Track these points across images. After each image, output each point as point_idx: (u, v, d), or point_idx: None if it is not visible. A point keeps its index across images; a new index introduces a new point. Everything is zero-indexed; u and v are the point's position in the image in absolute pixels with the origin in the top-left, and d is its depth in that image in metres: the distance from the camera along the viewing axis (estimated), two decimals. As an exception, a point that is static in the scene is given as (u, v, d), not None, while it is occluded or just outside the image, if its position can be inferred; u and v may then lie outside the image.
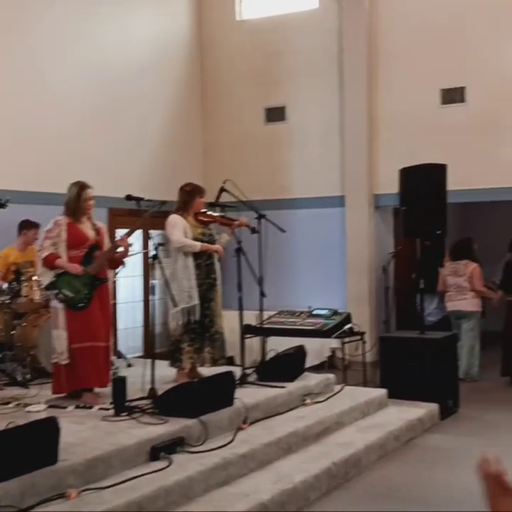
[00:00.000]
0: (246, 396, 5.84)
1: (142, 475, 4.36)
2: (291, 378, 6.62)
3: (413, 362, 7.27)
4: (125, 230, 6.00)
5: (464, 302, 9.01)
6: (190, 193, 6.42)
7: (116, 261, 5.99)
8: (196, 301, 6.11)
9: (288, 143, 10.63)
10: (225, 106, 10.95)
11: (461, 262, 9.14)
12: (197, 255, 6.22)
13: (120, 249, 5.85)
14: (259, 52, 10.71)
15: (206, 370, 6.44)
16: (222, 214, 6.76)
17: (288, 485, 4.77)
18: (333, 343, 8.90)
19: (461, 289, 9.02)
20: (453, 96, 9.49)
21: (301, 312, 8.28)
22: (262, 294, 6.77)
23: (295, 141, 10.58)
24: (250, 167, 10.58)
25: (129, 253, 5.96)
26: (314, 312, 8.17)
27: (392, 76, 9.91)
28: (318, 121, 10.41)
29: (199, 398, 5.30)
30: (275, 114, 10.67)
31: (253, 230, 6.66)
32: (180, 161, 10.46)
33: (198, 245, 6.21)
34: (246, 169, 10.37)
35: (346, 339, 7.90)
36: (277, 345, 7.47)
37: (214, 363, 6.38)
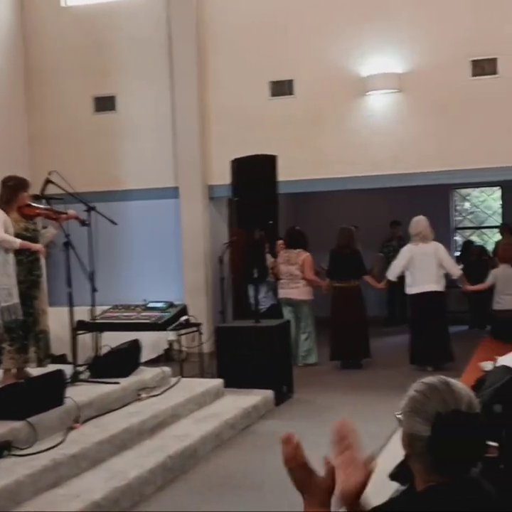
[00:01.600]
0: (78, 394, 5.67)
1: (-35, 483, 4.12)
2: (126, 373, 6.52)
3: (248, 350, 7.37)
4: None
5: (296, 291, 9.26)
6: (12, 188, 6.10)
7: None
8: (16, 299, 5.81)
9: (119, 133, 10.43)
10: (51, 95, 10.56)
11: (294, 251, 9.38)
12: (18, 252, 5.93)
13: None
14: (87, 40, 10.40)
15: (36, 371, 6.18)
16: (48, 207, 6.49)
17: (122, 482, 4.69)
18: (170, 335, 8.84)
19: (294, 277, 9.27)
20: (282, 88, 9.70)
21: (136, 306, 8.16)
22: (94, 289, 6.60)
23: (127, 131, 10.40)
24: (79, 158, 10.27)
25: None
26: (149, 305, 8.07)
27: (222, 68, 9.97)
28: (150, 112, 10.29)
29: (26, 399, 5.08)
30: (105, 104, 10.42)
31: (83, 223, 6.47)
32: (2, 152, 9.94)
33: (17, 242, 5.85)
34: (75, 160, 10.05)
35: (183, 331, 7.87)
36: (112, 340, 7.31)
37: (40, 362, 6.13)
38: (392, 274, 9.03)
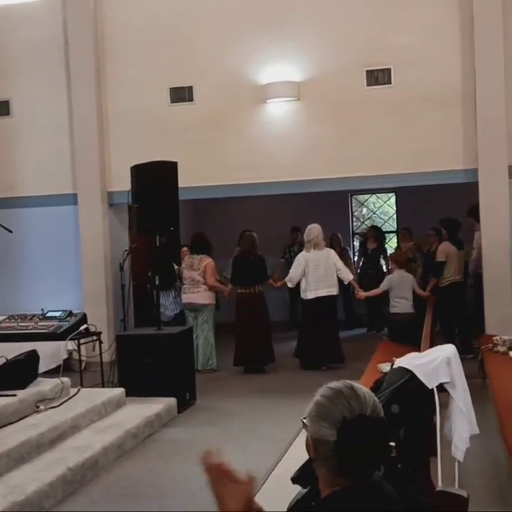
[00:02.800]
0: (-28, 408, 5.47)
1: None
2: (23, 385, 6.33)
3: (150, 358, 7.30)
4: None
5: (198, 295, 9.27)
6: None
7: None
8: None
9: (14, 138, 10.14)
10: None
11: (197, 257, 9.39)
12: None
13: None
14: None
15: None
16: None
17: (20, 496, 4.56)
18: (69, 345, 8.66)
19: (196, 282, 9.27)
20: (181, 94, 9.68)
21: (34, 315, 7.96)
22: (-11, 299, 6.39)
23: (22, 136, 10.12)
24: (-28, 164, 9.94)
25: None
26: (48, 314, 7.90)
27: (121, 73, 9.86)
28: (46, 116, 10.06)
29: None
30: (-2, 108, 10.13)
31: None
32: None
33: None
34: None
35: (82, 340, 7.73)
36: (9, 351, 7.08)
37: None
38: (291, 281, 9.32)
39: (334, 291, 9.08)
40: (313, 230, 9.12)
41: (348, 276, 9.30)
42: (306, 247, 9.16)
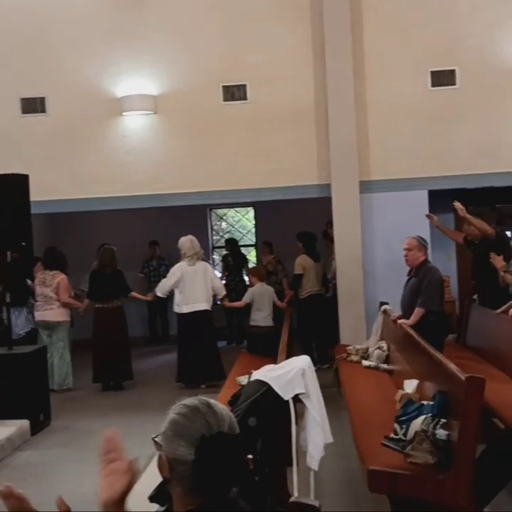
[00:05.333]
0: None
1: None
2: None
3: (1, 379, 7.00)
4: None
5: (51, 312, 8.97)
6: None
7: None
8: None
9: None
10: None
11: (50, 273, 9.10)
12: None
13: None
14: None
15: None
16: None
17: None
18: None
19: (48, 299, 8.97)
20: (33, 106, 9.35)
21: None
22: None
23: None
24: None
25: None
26: None
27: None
28: None
29: None
30: None
31: None
32: None
33: None
34: None
35: None
36: None
37: None
38: (162, 290, 9.05)
39: (209, 306, 8.86)
40: (193, 242, 8.88)
41: (221, 291, 9.20)
42: (189, 259, 8.84)
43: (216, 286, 9.06)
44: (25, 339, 8.95)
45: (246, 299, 9.21)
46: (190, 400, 1.85)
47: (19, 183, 7.45)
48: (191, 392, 7.96)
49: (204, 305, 8.80)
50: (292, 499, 3.93)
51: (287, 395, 4.31)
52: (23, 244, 7.50)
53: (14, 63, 9.33)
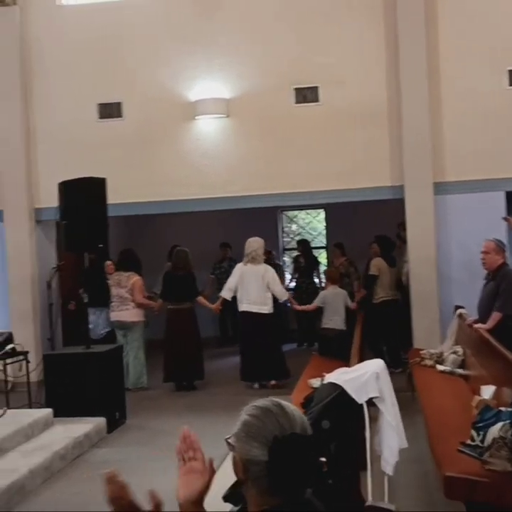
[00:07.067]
0: None
1: None
2: None
3: (78, 378, 7.18)
4: None
5: (126, 313, 9.15)
6: None
7: None
8: None
9: None
10: None
11: (125, 274, 9.28)
12: None
13: None
14: None
15: None
16: None
17: None
18: (-5, 365, 8.45)
19: (124, 300, 9.15)
20: (110, 110, 9.58)
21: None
22: None
23: None
24: None
25: None
26: (-29, 335, 7.65)
27: (48, 89, 9.70)
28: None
29: None
30: None
31: None
32: None
33: None
34: None
35: (8, 360, 7.54)
36: None
37: None
38: (225, 293, 9.12)
39: (265, 309, 8.81)
40: (252, 244, 8.92)
41: (282, 295, 9.18)
42: (244, 259, 8.96)
43: (275, 290, 8.93)
44: (105, 339, 9.16)
45: (317, 302, 9.17)
46: (262, 402, 1.86)
47: (97, 186, 7.61)
48: (262, 392, 8.03)
49: (257, 308, 8.79)
50: (368, 503, 3.91)
51: (361, 399, 4.29)
52: (100, 246, 7.68)
53: (92, 70, 9.57)
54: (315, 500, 1.88)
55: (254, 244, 8.95)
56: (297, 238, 13.77)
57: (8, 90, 9.62)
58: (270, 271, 9.01)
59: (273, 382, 8.77)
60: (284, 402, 1.88)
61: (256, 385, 8.85)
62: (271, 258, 11.95)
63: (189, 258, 9.37)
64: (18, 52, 9.63)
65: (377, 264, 9.59)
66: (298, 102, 9.27)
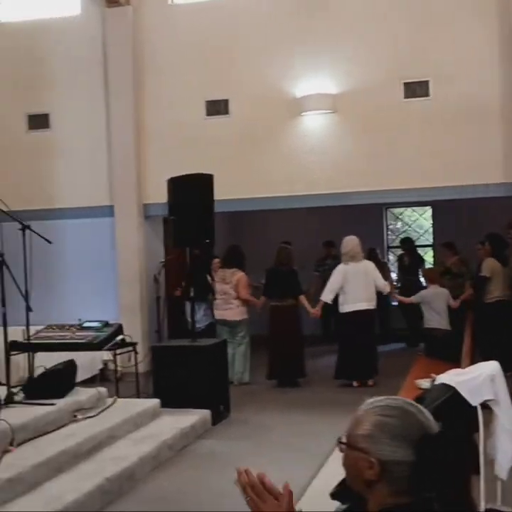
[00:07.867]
0: (12, 416, 5.49)
1: None
2: (61, 394, 6.36)
3: (185, 370, 7.30)
4: None
5: (230, 312, 9.23)
6: None
7: None
8: None
9: (54, 151, 10.28)
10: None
11: (229, 270, 9.37)
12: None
13: None
14: (21, 56, 10.22)
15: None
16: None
17: (58, 506, 4.56)
18: (105, 355, 8.73)
19: (228, 296, 9.24)
20: (217, 108, 9.73)
21: (71, 325, 7.98)
22: (28, 309, 6.43)
23: (61, 149, 10.26)
24: (13, 176, 10.09)
25: None
26: (84, 325, 7.91)
27: (159, 87, 9.95)
28: (85, 130, 10.18)
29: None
30: (38, 122, 10.27)
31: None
32: None
33: None
34: (8, 178, 9.87)
35: (118, 351, 7.75)
36: (47, 361, 7.14)
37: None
38: (326, 296, 9.02)
39: (373, 305, 8.84)
40: (350, 242, 8.87)
41: (385, 288, 9.06)
42: (343, 259, 8.91)
43: (378, 285, 8.90)
44: (203, 332, 9.30)
45: (414, 298, 9.01)
46: (388, 401, 1.81)
47: (204, 182, 7.72)
48: (364, 390, 7.96)
49: (365, 304, 8.74)
50: (487, 506, 3.80)
51: (475, 401, 4.17)
52: (207, 241, 7.80)
53: (200, 69, 9.74)
54: (436, 502, 1.84)
55: (350, 242, 8.89)
56: (402, 236, 13.54)
57: (122, 89, 9.92)
58: (371, 266, 8.99)
59: (371, 382, 8.72)
60: (409, 400, 1.84)
61: (355, 384, 8.78)
62: (374, 255, 11.82)
63: (291, 256, 9.37)
64: (130, 51, 9.92)
65: (491, 265, 9.25)
66: (407, 96, 9.12)
